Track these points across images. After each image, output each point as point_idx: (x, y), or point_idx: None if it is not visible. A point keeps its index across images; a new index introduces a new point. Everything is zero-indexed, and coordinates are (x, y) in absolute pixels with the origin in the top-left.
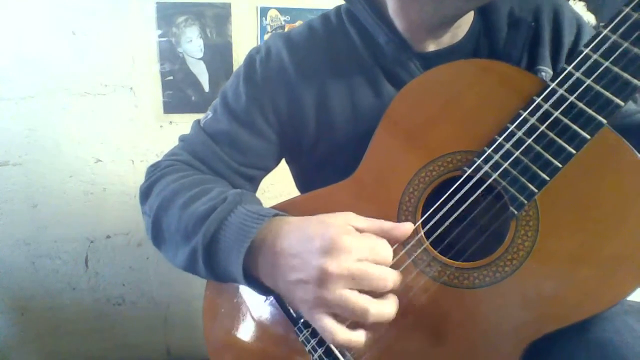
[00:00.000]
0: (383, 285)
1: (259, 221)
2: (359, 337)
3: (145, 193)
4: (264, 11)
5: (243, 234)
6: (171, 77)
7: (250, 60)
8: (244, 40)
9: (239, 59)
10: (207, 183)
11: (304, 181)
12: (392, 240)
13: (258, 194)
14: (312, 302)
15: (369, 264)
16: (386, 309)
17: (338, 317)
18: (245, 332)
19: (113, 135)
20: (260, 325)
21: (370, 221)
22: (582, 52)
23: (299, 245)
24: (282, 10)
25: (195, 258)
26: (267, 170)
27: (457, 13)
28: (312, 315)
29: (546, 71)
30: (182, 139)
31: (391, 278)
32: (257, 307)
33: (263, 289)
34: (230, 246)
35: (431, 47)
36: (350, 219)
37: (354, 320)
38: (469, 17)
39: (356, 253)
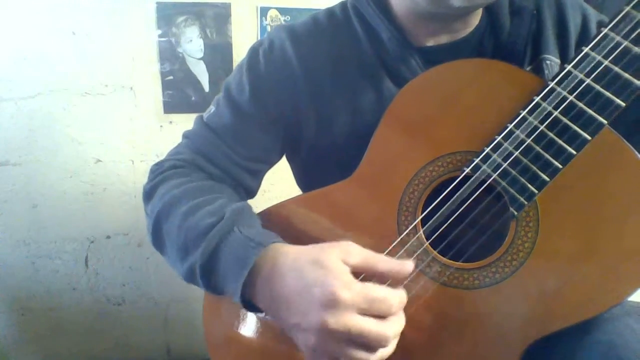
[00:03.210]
0: (379, 346)
1: (256, 250)
2: None
3: (149, 194)
4: (264, 11)
5: (240, 263)
6: (171, 77)
7: (253, 52)
8: (244, 40)
9: (238, 59)
10: (208, 193)
11: (305, 179)
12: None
13: (258, 195)
14: (313, 349)
15: (368, 321)
16: (387, 350)
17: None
18: (246, 330)
19: (113, 135)
20: (261, 323)
21: (367, 258)
22: (582, 50)
23: (296, 290)
24: (282, 10)
25: (194, 274)
26: (271, 163)
27: (446, 12)
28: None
29: (551, 59)
30: (186, 135)
31: (392, 334)
32: None
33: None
34: (227, 270)
35: (435, 41)
36: (347, 256)
37: None
38: (478, 11)
39: (357, 307)
